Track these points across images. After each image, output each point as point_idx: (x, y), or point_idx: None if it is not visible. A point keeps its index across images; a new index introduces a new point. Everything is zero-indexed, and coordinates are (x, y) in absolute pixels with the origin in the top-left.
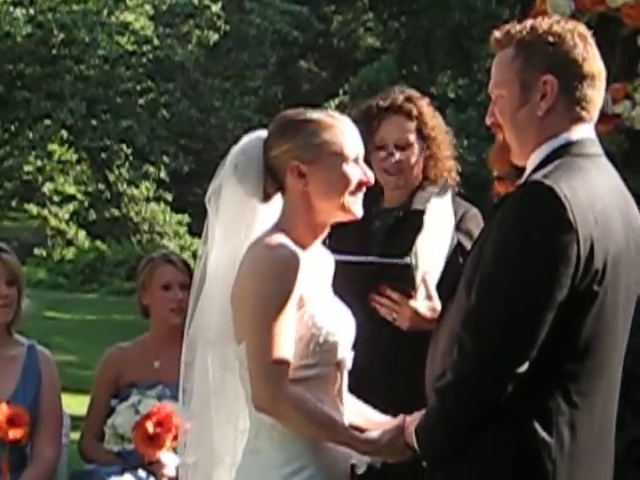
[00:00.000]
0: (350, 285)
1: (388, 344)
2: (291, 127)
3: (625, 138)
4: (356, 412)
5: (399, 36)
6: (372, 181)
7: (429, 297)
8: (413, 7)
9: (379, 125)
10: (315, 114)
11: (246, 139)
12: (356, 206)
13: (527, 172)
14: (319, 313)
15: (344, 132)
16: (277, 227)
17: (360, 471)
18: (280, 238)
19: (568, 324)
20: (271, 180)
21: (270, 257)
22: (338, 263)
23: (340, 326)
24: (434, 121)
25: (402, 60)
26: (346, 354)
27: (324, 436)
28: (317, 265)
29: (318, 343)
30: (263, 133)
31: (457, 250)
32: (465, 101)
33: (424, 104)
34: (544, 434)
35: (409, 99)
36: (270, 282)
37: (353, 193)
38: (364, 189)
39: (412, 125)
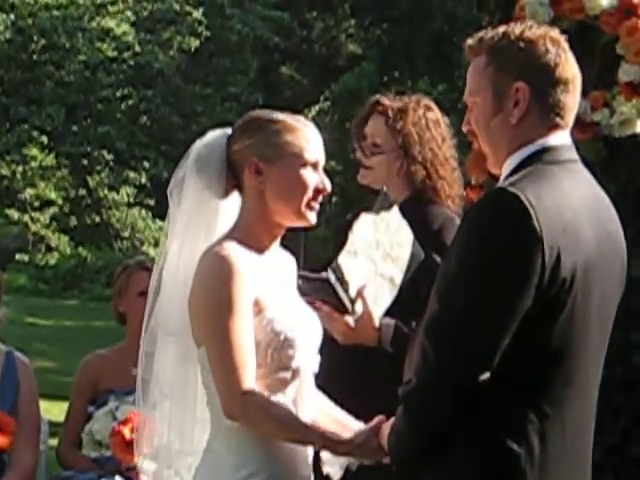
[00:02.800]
0: None
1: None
2: (255, 124)
3: (603, 146)
4: (329, 418)
5: (381, 43)
6: (329, 189)
7: (366, 312)
8: (394, 14)
9: (365, 124)
10: (281, 116)
11: (211, 133)
12: (311, 213)
13: (500, 180)
14: (277, 318)
15: (307, 137)
16: (233, 230)
17: (336, 478)
18: (228, 246)
19: (535, 333)
20: (230, 175)
21: (214, 267)
22: None
23: (300, 331)
24: (416, 128)
25: (383, 67)
26: (305, 359)
27: (295, 439)
28: (277, 268)
29: (276, 348)
30: (229, 129)
31: (423, 267)
32: (446, 107)
33: (415, 111)
34: (513, 444)
35: (394, 105)
36: (216, 292)
37: (309, 199)
38: (320, 198)
39: (387, 127)
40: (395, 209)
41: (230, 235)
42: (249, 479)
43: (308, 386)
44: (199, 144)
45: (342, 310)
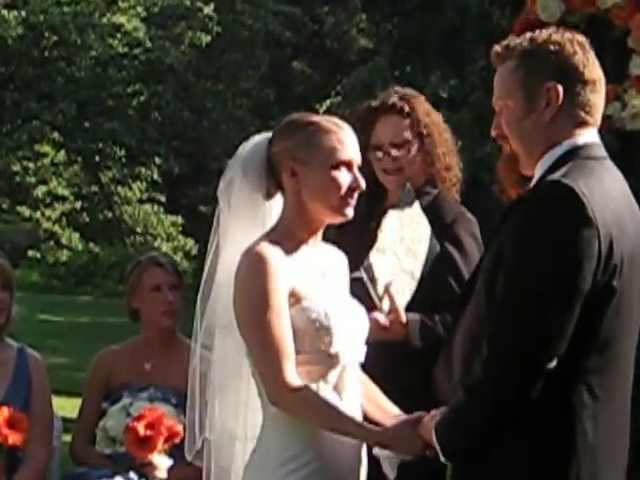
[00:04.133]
0: None
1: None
2: (292, 127)
3: (616, 139)
4: (373, 403)
5: (392, 37)
6: (363, 187)
7: (394, 309)
8: (406, 8)
9: (374, 126)
10: (316, 118)
11: (256, 137)
12: (347, 208)
13: (536, 178)
14: (313, 306)
15: (341, 138)
16: (272, 229)
17: (392, 477)
18: (261, 244)
19: (589, 319)
20: (271, 177)
21: (248, 263)
22: None
23: (338, 319)
24: (428, 118)
25: (395, 61)
26: (347, 348)
27: (331, 427)
28: (318, 262)
29: (313, 335)
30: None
31: (440, 259)
32: (458, 101)
33: (418, 101)
34: (569, 429)
35: (402, 97)
36: (250, 286)
37: (343, 197)
38: (356, 195)
39: (406, 122)
40: (417, 204)
41: (266, 234)
42: (294, 464)
43: (352, 374)
44: (244, 147)
45: (372, 307)
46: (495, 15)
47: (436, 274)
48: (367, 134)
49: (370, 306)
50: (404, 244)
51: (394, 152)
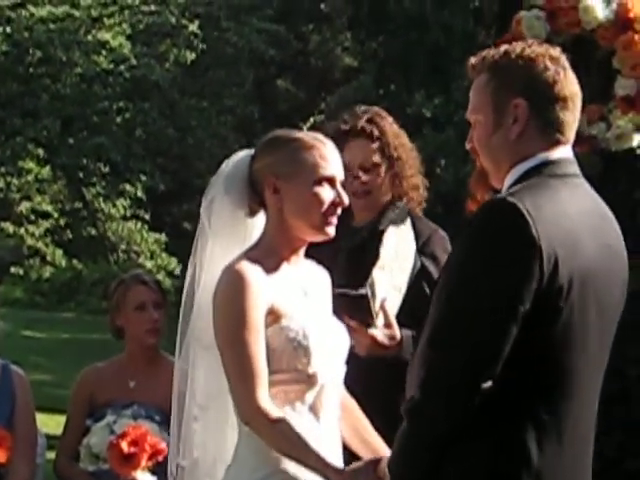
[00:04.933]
0: None
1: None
2: (275, 143)
3: (600, 159)
4: (360, 439)
5: (377, 56)
6: (346, 203)
7: (388, 325)
8: (391, 27)
9: (343, 149)
10: (299, 134)
11: (238, 153)
12: (329, 227)
13: (503, 192)
14: (292, 326)
15: (323, 154)
16: (252, 246)
17: None
18: (240, 262)
19: (533, 341)
20: (253, 194)
21: (226, 281)
22: None
23: (317, 339)
24: (397, 140)
25: (380, 80)
26: (325, 368)
27: (293, 455)
28: (300, 280)
29: (290, 355)
30: (253, 150)
31: (420, 274)
32: (442, 120)
33: (386, 124)
34: (510, 452)
35: (370, 120)
36: (227, 304)
37: (326, 214)
38: (339, 211)
39: (375, 146)
40: (408, 221)
41: (247, 252)
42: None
43: (330, 395)
44: (226, 165)
45: (369, 324)
46: (480, 35)
47: (417, 289)
48: None
49: (369, 322)
50: (398, 261)
51: (363, 177)
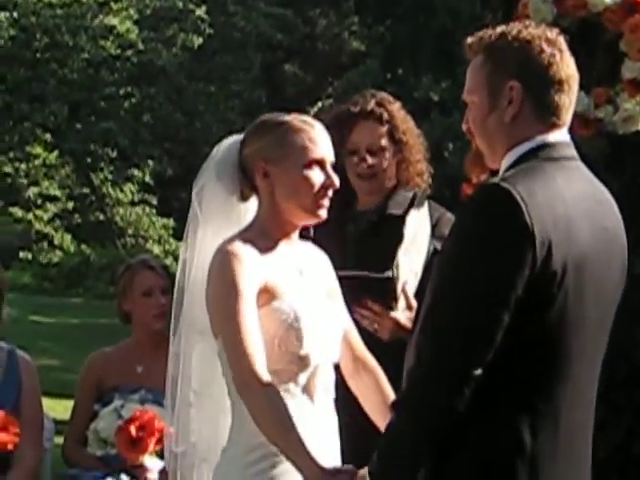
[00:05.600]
0: None
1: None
2: (263, 128)
3: (607, 143)
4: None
5: (384, 40)
6: (337, 185)
7: (409, 307)
8: (398, 11)
9: (351, 130)
10: (287, 117)
11: (227, 139)
12: (320, 209)
13: (500, 175)
14: (283, 307)
15: (312, 136)
16: (245, 228)
17: None
18: (232, 242)
19: (526, 328)
20: (244, 179)
21: (218, 260)
22: None
23: (310, 320)
24: (405, 125)
25: (387, 64)
26: (319, 349)
27: (276, 439)
28: (294, 261)
29: (282, 337)
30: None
31: (433, 257)
32: (450, 104)
33: (395, 108)
34: (503, 438)
35: (380, 104)
36: (220, 281)
37: (317, 196)
38: (330, 193)
39: (383, 129)
40: (426, 204)
41: (240, 233)
42: (262, 465)
43: (324, 376)
44: (216, 151)
45: (391, 307)
46: (487, 18)
47: (429, 272)
48: (343, 138)
49: (391, 306)
50: (416, 244)
51: (370, 159)
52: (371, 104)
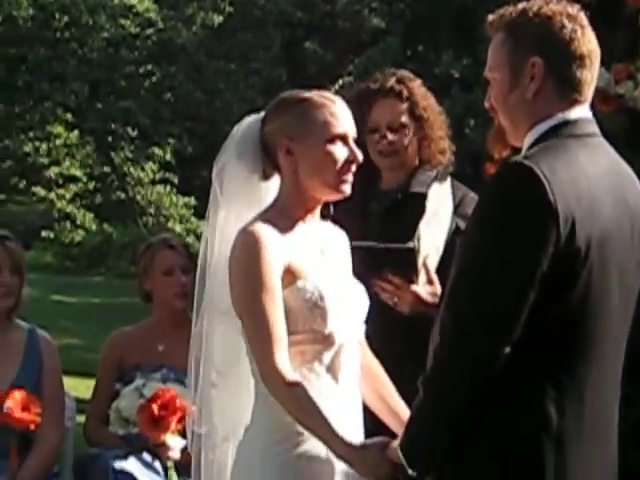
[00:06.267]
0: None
1: (388, 328)
2: (283, 105)
3: (628, 118)
4: (386, 407)
5: (404, 17)
6: (360, 160)
7: (430, 281)
8: None
9: (371, 108)
10: (307, 94)
11: (247, 119)
12: (344, 185)
13: (523, 152)
14: (307, 286)
15: (333, 112)
16: (267, 209)
17: None
18: (255, 223)
19: (551, 305)
20: (266, 157)
21: (241, 243)
22: None
23: (334, 299)
24: (425, 102)
25: (407, 41)
26: (343, 327)
27: (306, 424)
28: (317, 240)
29: (306, 316)
30: (262, 114)
31: (455, 234)
32: (470, 81)
33: (415, 85)
34: (529, 415)
35: (400, 81)
36: (243, 266)
37: (340, 172)
38: (353, 168)
39: (404, 106)
40: (449, 180)
41: (262, 213)
42: (285, 445)
43: (349, 354)
44: (236, 130)
45: (411, 280)
46: None
47: (453, 250)
48: (364, 116)
49: (412, 279)
50: (438, 219)
51: (390, 136)
52: (391, 81)
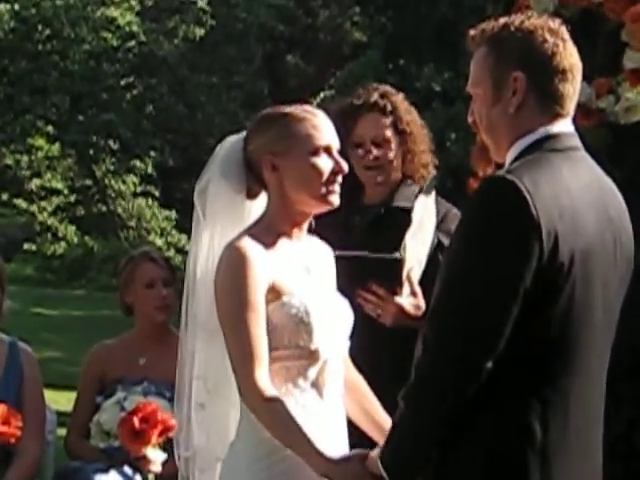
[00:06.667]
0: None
1: (371, 340)
2: (265, 122)
3: (609, 133)
4: (369, 420)
5: (386, 30)
6: (346, 170)
7: (413, 294)
8: (399, 1)
9: (355, 123)
10: (288, 109)
11: (230, 138)
12: (331, 196)
13: (505, 167)
14: (293, 302)
15: (315, 124)
16: (253, 224)
17: None
18: (241, 239)
19: (535, 319)
20: (251, 175)
21: (227, 259)
22: None
23: (319, 315)
24: (409, 116)
25: (389, 54)
26: (327, 344)
27: (287, 443)
28: (303, 256)
29: (292, 331)
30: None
31: (437, 249)
32: (452, 94)
33: (399, 100)
34: (514, 429)
35: (383, 95)
36: (228, 282)
37: (327, 183)
38: (339, 179)
39: (387, 121)
40: (434, 193)
41: (248, 229)
42: (270, 460)
43: (334, 371)
44: (219, 149)
45: (395, 292)
46: (488, 9)
47: (435, 265)
48: (348, 131)
49: (396, 291)
50: (422, 232)
51: (375, 151)
52: (374, 96)
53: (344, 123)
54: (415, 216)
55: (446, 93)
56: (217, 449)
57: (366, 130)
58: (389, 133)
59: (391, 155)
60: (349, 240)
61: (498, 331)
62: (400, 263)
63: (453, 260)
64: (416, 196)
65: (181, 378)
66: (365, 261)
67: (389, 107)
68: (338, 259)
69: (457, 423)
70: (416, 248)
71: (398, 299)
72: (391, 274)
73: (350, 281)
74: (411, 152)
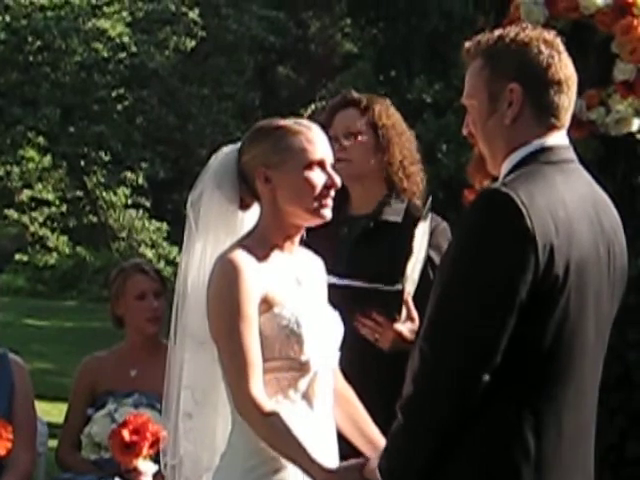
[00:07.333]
0: (335, 307)
1: (361, 352)
2: (260, 134)
3: (599, 144)
4: (359, 433)
5: (377, 42)
6: (338, 185)
7: (411, 318)
8: (391, 13)
9: (332, 119)
10: (284, 122)
11: (224, 149)
12: (324, 210)
13: (500, 180)
14: (284, 313)
15: (310, 138)
16: (245, 236)
17: None
18: (234, 251)
19: (529, 331)
20: (245, 187)
21: (219, 271)
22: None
23: (310, 327)
24: (389, 120)
25: (380, 65)
26: (318, 355)
27: (283, 453)
28: (294, 268)
29: (283, 343)
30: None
31: (427, 265)
32: (443, 106)
33: (379, 100)
34: (507, 441)
35: (364, 96)
36: (221, 294)
37: (319, 197)
38: (332, 193)
39: (362, 115)
40: (430, 216)
41: (240, 240)
42: (262, 470)
43: (324, 382)
44: (213, 160)
45: (394, 319)
46: (479, 20)
47: (426, 281)
48: (326, 130)
49: (396, 317)
50: (420, 254)
51: (345, 141)
52: (353, 94)
53: (323, 124)
54: (416, 245)
55: (437, 104)
56: (204, 459)
57: (339, 123)
58: (361, 125)
59: (362, 148)
60: (336, 252)
61: (494, 343)
62: (401, 294)
63: (448, 273)
64: (407, 221)
65: (169, 388)
66: (368, 291)
67: (365, 102)
68: (341, 287)
69: (452, 433)
70: (413, 272)
71: (397, 325)
72: (392, 304)
73: (350, 307)
74: (392, 158)
